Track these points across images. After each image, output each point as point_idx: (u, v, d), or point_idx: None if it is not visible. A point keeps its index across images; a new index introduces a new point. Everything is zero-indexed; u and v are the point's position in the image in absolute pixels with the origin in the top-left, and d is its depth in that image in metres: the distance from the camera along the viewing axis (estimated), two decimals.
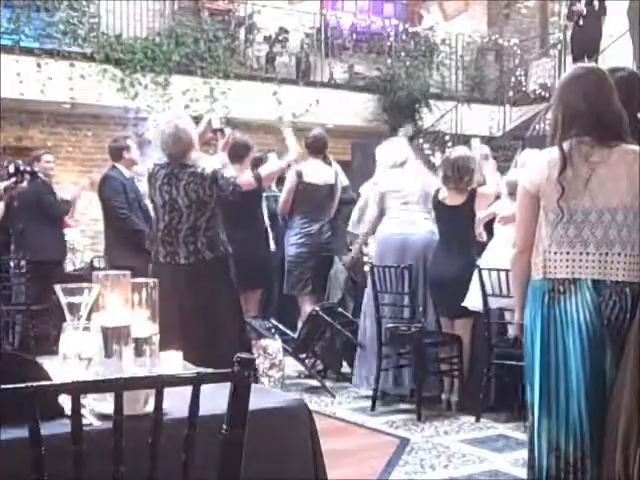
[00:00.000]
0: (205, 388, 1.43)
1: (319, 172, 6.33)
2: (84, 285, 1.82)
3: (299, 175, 6.25)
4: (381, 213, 5.78)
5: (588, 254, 2.69)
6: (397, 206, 5.68)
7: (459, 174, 5.25)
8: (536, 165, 2.84)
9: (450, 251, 5.26)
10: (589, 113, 2.71)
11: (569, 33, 13.01)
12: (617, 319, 2.66)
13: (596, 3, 11.05)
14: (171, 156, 4.45)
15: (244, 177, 5.78)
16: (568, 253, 2.72)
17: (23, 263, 6.74)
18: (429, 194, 5.54)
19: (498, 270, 4.75)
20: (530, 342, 2.82)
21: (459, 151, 5.51)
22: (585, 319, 2.67)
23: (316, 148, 6.45)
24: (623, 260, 2.67)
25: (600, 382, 2.65)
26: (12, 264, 6.90)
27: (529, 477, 2.88)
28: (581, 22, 11.11)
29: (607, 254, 2.68)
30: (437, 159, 9.84)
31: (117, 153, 6.37)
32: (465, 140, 11.68)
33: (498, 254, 4.95)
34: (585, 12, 10.96)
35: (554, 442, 2.72)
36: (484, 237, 5.59)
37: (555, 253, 2.74)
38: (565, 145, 2.71)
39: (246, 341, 4.72)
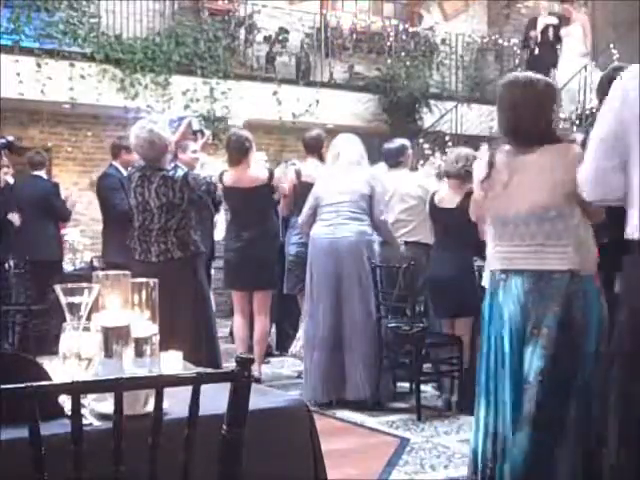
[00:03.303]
0: (205, 388, 1.43)
1: (318, 172, 6.31)
2: (84, 285, 1.81)
3: (298, 175, 6.25)
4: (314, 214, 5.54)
5: (528, 246, 2.92)
6: (327, 208, 5.43)
7: (460, 166, 5.26)
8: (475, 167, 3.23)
9: (447, 253, 5.27)
10: (510, 122, 2.99)
11: None
12: (541, 313, 2.88)
13: (551, 32, 11.19)
14: (146, 160, 4.65)
15: (249, 172, 5.83)
16: (508, 246, 2.97)
17: (22, 263, 6.73)
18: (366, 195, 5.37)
19: None
20: (481, 332, 3.12)
21: (461, 149, 5.58)
22: (510, 313, 2.92)
23: (314, 148, 6.45)
24: (559, 250, 2.88)
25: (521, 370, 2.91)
26: (12, 264, 6.89)
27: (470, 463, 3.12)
28: (536, 50, 11.25)
29: (543, 245, 2.89)
30: (437, 159, 9.83)
31: (115, 150, 6.47)
32: (465, 140, 11.71)
33: None
34: (540, 40, 11.10)
35: (491, 428, 2.98)
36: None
37: (496, 246, 3.02)
38: (494, 151, 3.03)
39: (212, 341, 4.71)
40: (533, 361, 2.85)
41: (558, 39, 11.33)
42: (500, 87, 3.09)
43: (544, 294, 2.86)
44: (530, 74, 3.07)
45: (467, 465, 3.16)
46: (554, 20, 11.50)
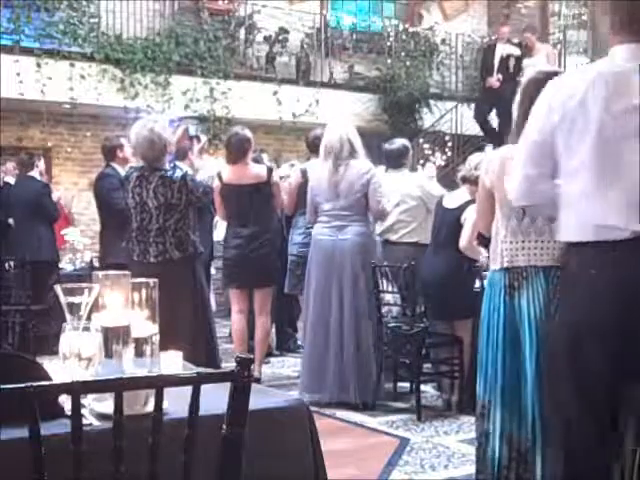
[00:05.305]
0: (205, 388, 1.43)
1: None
2: (84, 285, 1.82)
3: (303, 174, 6.25)
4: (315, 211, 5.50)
5: (542, 242, 2.87)
6: (327, 208, 5.38)
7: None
8: (491, 161, 3.07)
9: (442, 253, 5.27)
10: None
11: (569, 33, 13.02)
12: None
13: (512, 63, 10.95)
14: (145, 159, 4.62)
15: (249, 170, 5.86)
16: (523, 242, 2.90)
17: (20, 263, 6.73)
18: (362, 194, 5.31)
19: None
20: (486, 335, 3.00)
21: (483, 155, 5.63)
22: (535, 316, 2.86)
23: (318, 147, 6.43)
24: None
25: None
26: (12, 264, 6.89)
27: (478, 467, 3.04)
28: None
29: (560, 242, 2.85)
30: (437, 159, 9.84)
31: (110, 152, 6.45)
32: (465, 140, 11.72)
33: None
34: (501, 77, 10.86)
35: (507, 432, 2.89)
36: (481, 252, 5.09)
37: (511, 242, 2.93)
38: None
39: (212, 342, 4.69)
40: None
41: (519, 69, 10.77)
42: (544, 80, 2.90)
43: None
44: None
45: (476, 466, 3.09)
46: (516, 51, 11.13)
